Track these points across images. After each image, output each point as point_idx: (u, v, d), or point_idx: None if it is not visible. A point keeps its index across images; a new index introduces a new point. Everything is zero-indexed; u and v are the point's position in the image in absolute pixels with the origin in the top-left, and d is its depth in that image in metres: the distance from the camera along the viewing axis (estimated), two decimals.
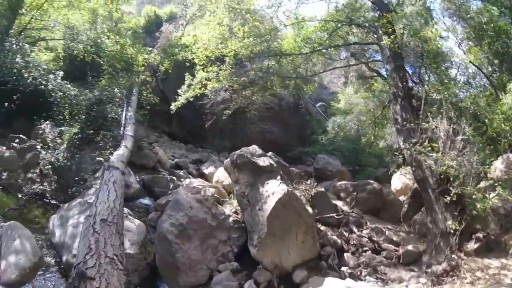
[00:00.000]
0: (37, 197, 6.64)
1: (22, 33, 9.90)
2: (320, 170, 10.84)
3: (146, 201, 8.01)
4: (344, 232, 6.20)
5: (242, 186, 5.48)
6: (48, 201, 6.72)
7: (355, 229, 6.25)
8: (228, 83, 8.24)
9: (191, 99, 8.59)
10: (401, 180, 8.86)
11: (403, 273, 5.27)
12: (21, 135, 7.96)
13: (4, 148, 7.30)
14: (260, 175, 5.49)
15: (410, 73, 7.38)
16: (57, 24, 11.00)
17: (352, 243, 5.97)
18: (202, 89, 8.32)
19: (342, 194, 8.51)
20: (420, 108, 5.95)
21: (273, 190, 5.12)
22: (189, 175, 10.05)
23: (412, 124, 5.87)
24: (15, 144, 7.50)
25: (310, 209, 5.59)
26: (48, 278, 4.39)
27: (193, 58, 8.32)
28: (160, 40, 14.04)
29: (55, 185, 6.98)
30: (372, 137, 9.42)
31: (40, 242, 5.05)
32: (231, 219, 5.60)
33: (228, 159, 6.76)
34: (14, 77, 7.37)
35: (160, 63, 11.27)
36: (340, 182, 8.98)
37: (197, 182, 8.16)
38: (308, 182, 6.97)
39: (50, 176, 7.17)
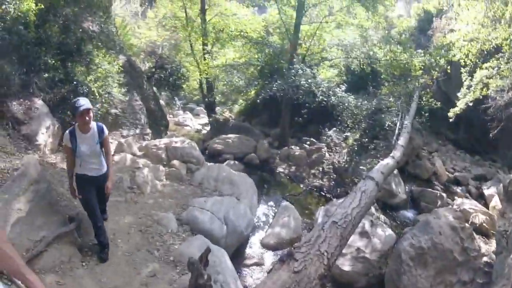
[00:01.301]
0: (315, 189, 8.31)
1: (305, 59, 12.00)
2: None
3: (409, 214, 7.72)
4: None
5: (506, 222, 4.09)
6: (323, 194, 8.12)
7: None
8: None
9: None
10: None
11: None
12: (312, 139, 10.27)
13: (298, 147, 9.83)
14: None
15: None
16: (333, 43, 12.45)
17: None
18: (484, 90, 6.77)
19: None
20: None
21: None
22: (467, 194, 8.44)
23: None
24: (306, 145, 9.87)
25: None
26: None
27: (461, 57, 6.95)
28: (433, 37, 12.52)
29: (332, 182, 8.40)
30: None
31: (304, 224, 6.50)
32: (484, 259, 4.36)
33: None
34: (305, 95, 9.60)
35: (435, 63, 10.13)
36: None
37: (468, 205, 6.81)
38: None
39: (330, 174, 8.73)
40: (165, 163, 6.82)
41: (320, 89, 9.64)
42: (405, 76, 10.39)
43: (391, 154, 7.46)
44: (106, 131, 3.39)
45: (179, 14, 14.19)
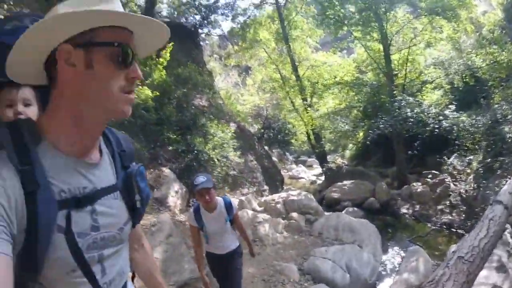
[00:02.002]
0: (444, 227, 7.52)
1: (404, 88, 11.42)
2: None
3: None
4: None
5: None
6: (454, 230, 7.32)
7: None
8: None
9: None
10: None
11: None
12: (433, 171, 9.42)
13: (419, 183, 9.12)
14: None
15: None
16: (429, 63, 11.64)
17: None
18: None
19: None
20: None
21: None
22: None
23: None
24: (428, 179, 9.08)
25: None
26: None
27: None
28: None
29: (462, 215, 7.52)
30: None
31: (435, 267, 5.86)
32: None
33: None
34: (414, 125, 9.10)
35: None
36: None
37: None
38: None
39: (459, 206, 7.83)
40: (284, 216, 7.34)
41: (429, 115, 9.06)
42: None
43: None
44: (235, 206, 3.01)
45: (275, 76, 15.88)
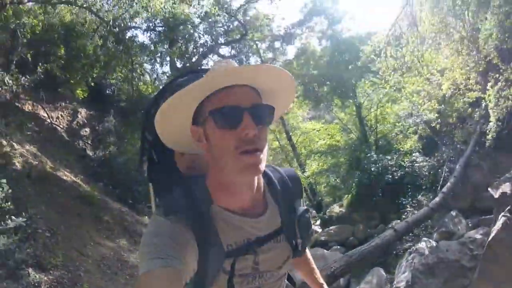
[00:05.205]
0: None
1: (378, 143, 13.79)
2: None
3: None
4: None
5: None
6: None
7: None
8: None
9: None
10: None
11: None
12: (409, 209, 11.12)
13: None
14: None
15: None
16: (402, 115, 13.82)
17: None
18: None
19: None
20: None
21: None
22: None
23: None
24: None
25: None
26: None
27: None
28: None
29: None
30: None
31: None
32: None
33: None
34: (376, 177, 11.30)
35: None
36: None
37: None
38: None
39: None
40: None
41: (390, 166, 11.23)
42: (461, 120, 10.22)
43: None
44: None
45: (274, 144, 18.59)
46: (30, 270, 3.84)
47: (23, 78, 5.95)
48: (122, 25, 10.51)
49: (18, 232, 3.95)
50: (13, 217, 3.58)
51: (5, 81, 5.61)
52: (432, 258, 5.96)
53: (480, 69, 7.05)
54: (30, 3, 8.13)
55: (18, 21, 7.41)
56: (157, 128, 0.84)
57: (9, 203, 3.78)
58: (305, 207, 0.99)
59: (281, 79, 0.85)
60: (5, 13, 6.23)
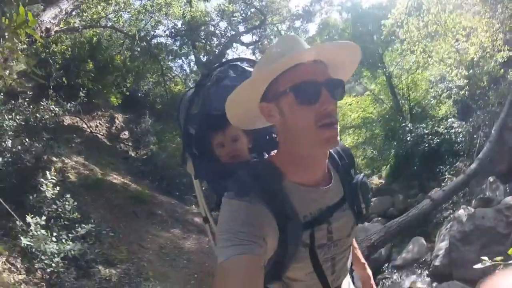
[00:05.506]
0: None
1: (412, 111, 13.41)
2: None
3: None
4: None
5: None
6: None
7: None
8: None
9: None
10: None
11: None
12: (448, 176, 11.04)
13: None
14: None
15: None
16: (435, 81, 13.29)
17: None
18: None
19: None
20: None
21: None
22: None
23: None
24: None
25: None
26: None
27: None
28: None
29: None
30: None
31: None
32: None
33: None
34: (414, 146, 11.19)
35: None
36: None
37: None
38: None
39: None
40: None
41: (426, 135, 11.08)
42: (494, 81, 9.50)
43: None
44: None
45: None
46: (100, 267, 4.30)
47: (69, 104, 6.38)
48: (147, 36, 11.13)
49: (87, 236, 4.39)
50: (83, 224, 4.12)
51: (51, 108, 5.98)
52: (468, 226, 6.16)
53: (507, 29, 6.83)
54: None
55: (47, 50, 7.98)
56: (228, 103, 0.89)
57: (76, 213, 4.29)
58: (364, 180, 1.04)
59: (353, 53, 0.89)
60: (35, 46, 6.59)
